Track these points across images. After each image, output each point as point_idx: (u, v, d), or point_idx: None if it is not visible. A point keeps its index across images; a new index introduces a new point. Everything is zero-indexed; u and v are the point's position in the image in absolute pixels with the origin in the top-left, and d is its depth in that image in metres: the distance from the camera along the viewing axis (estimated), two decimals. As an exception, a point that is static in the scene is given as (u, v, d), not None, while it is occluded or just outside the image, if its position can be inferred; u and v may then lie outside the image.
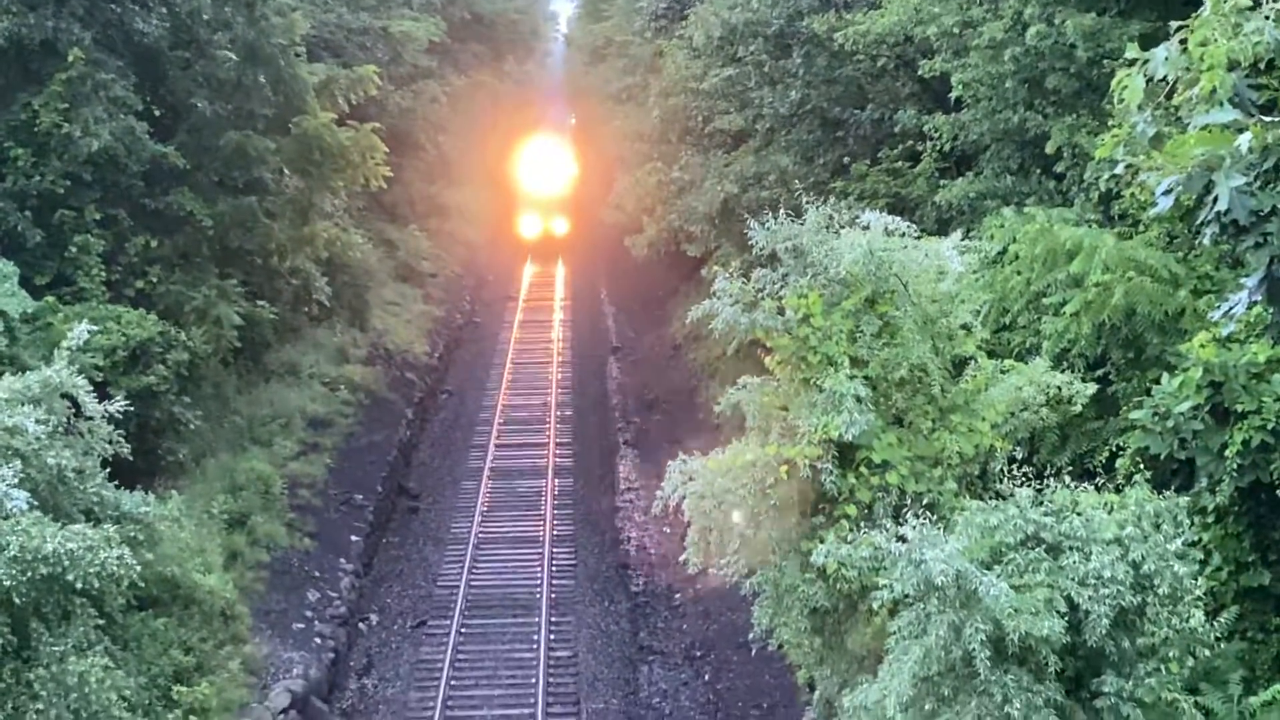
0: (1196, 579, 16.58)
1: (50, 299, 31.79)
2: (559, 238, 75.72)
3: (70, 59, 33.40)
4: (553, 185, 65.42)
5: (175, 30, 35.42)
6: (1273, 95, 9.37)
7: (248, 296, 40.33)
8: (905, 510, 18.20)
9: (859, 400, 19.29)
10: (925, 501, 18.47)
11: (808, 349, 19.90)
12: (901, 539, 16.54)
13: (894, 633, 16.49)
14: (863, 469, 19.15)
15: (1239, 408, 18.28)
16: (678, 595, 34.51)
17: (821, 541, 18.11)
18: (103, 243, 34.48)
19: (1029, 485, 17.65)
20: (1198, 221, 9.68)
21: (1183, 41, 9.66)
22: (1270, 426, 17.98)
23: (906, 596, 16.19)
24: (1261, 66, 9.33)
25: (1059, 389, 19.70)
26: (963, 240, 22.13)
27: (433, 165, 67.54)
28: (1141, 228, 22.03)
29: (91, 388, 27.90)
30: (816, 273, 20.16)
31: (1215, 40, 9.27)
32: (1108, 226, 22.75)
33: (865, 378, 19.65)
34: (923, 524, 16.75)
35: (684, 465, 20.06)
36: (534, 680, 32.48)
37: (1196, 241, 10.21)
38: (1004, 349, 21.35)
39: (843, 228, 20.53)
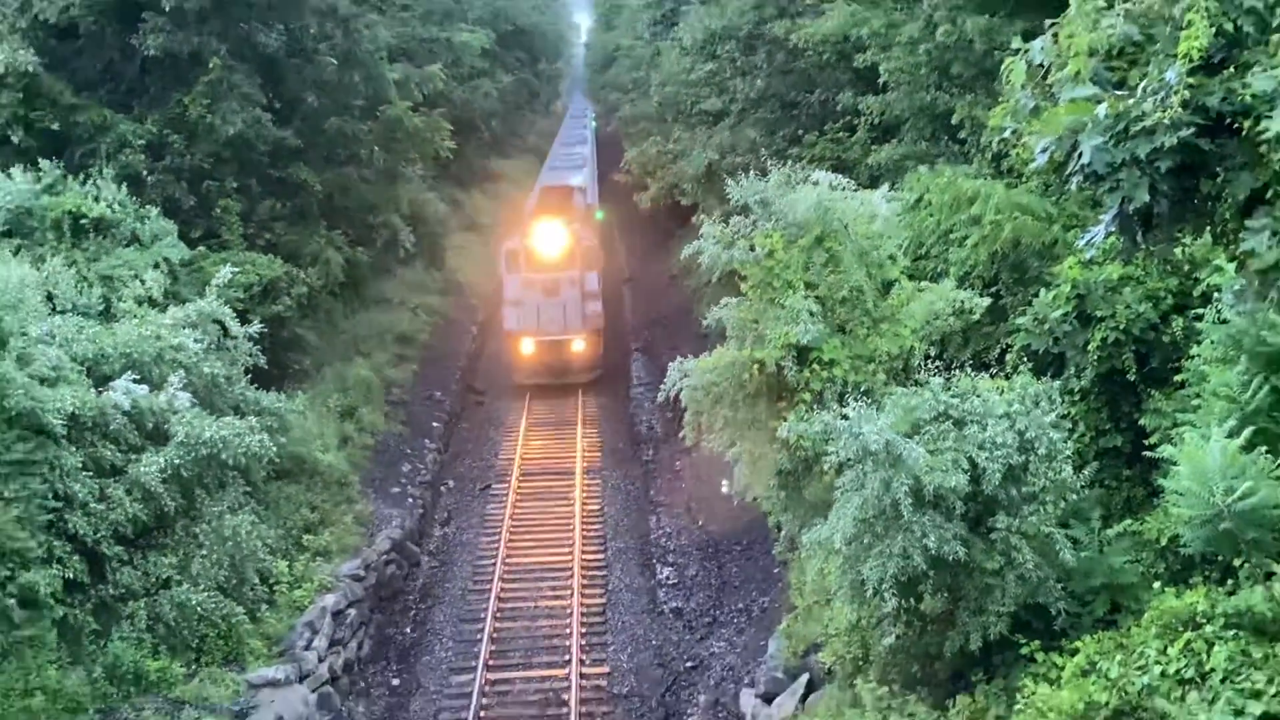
0: (1066, 443, 16.72)
1: (201, 249, 31.91)
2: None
3: (210, 66, 33.31)
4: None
5: (290, 42, 35.35)
6: (1122, 75, 9.37)
7: (349, 244, 40.50)
8: (847, 395, 18.40)
9: (811, 314, 19.51)
10: (862, 389, 18.68)
11: (772, 276, 20.07)
12: (845, 417, 16.70)
13: (839, 487, 16.65)
14: (815, 365, 19.34)
15: (1098, 313, 18.42)
16: (678, 462, 34.77)
17: (784, 420, 18.31)
18: (239, 205, 34.50)
19: (940, 375, 17.83)
20: (1066, 173, 9.71)
21: (1055, 35, 9.69)
22: (1121, 327, 18.13)
23: (848, 460, 16.35)
24: (1114, 53, 9.32)
25: (962, 302, 19.82)
26: (889, 192, 22.26)
27: (487, 142, 67.33)
28: (1024, 179, 22.02)
29: (234, 315, 28.17)
30: (778, 218, 20.30)
31: (1079, 34, 9.30)
32: (999, 179, 22.78)
33: (816, 298, 19.83)
34: (860, 406, 16.93)
35: (681, 365, 20.22)
36: (571, 526, 32.90)
37: (1066, 188, 10.23)
38: (920, 273, 21.43)
39: (798, 184, 20.62)
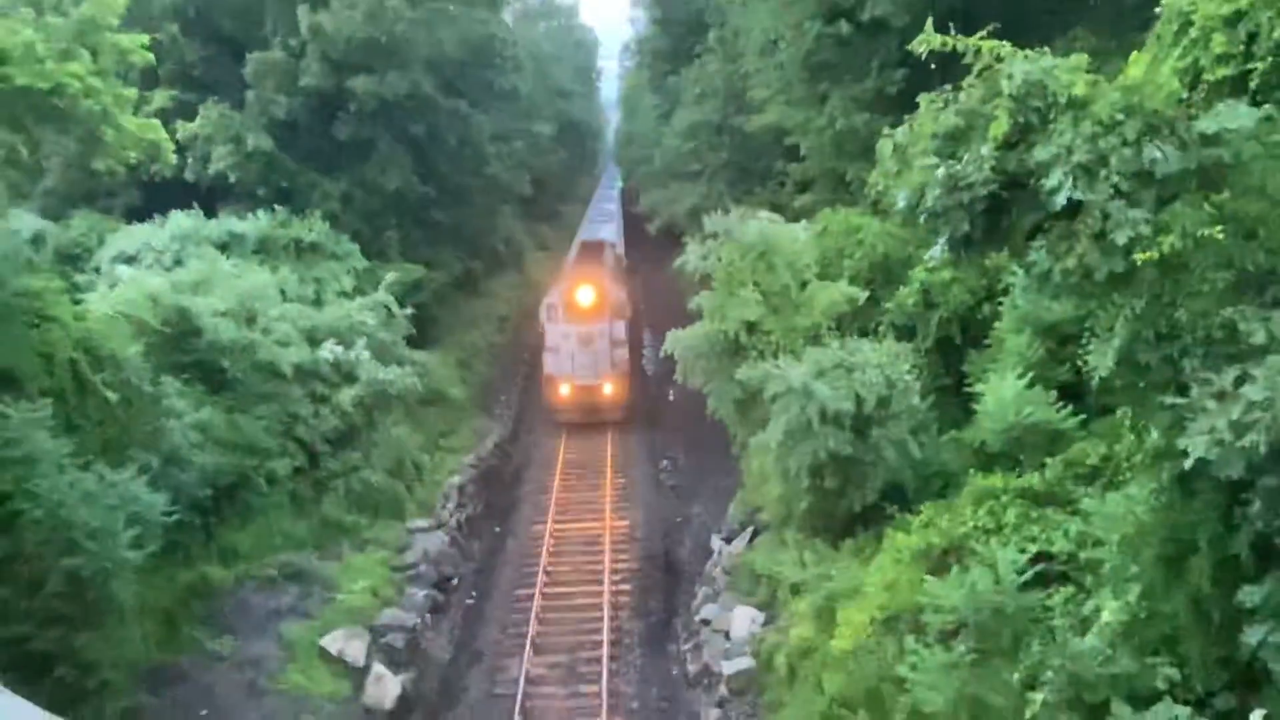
0: (916, 383, 16.75)
1: (374, 262, 31.89)
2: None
3: (379, 144, 33.31)
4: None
5: (429, 130, 35.10)
6: (953, 150, 9.28)
7: (466, 257, 40.39)
8: (780, 353, 18.36)
9: (756, 302, 19.44)
10: (790, 349, 18.62)
11: (731, 278, 20.00)
12: (777, 367, 16.72)
13: (774, 411, 16.70)
14: (758, 334, 19.29)
15: (937, 301, 18.33)
16: (670, 396, 34.43)
17: (737, 368, 18.34)
18: (397, 234, 34.53)
19: (838, 339, 17.81)
20: (918, 212, 9.64)
21: (910, 125, 9.62)
22: (951, 310, 18.05)
23: (778, 393, 16.40)
24: (949, 137, 9.21)
25: (851, 295, 19.77)
26: (807, 224, 22.14)
27: (553, 193, 66.65)
28: (890, 217, 21.85)
29: (396, 302, 28.21)
30: (736, 240, 20.18)
31: (926, 124, 9.23)
32: (875, 216, 22.57)
33: (760, 292, 19.74)
34: (787, 360, 16.94)
35: (674, 334, 20.23)
36: (605, 445, 31.54)
37: (917, 222, 10.15)
38: (825, 276, 21.23)
39: (749, 219, 20.51)
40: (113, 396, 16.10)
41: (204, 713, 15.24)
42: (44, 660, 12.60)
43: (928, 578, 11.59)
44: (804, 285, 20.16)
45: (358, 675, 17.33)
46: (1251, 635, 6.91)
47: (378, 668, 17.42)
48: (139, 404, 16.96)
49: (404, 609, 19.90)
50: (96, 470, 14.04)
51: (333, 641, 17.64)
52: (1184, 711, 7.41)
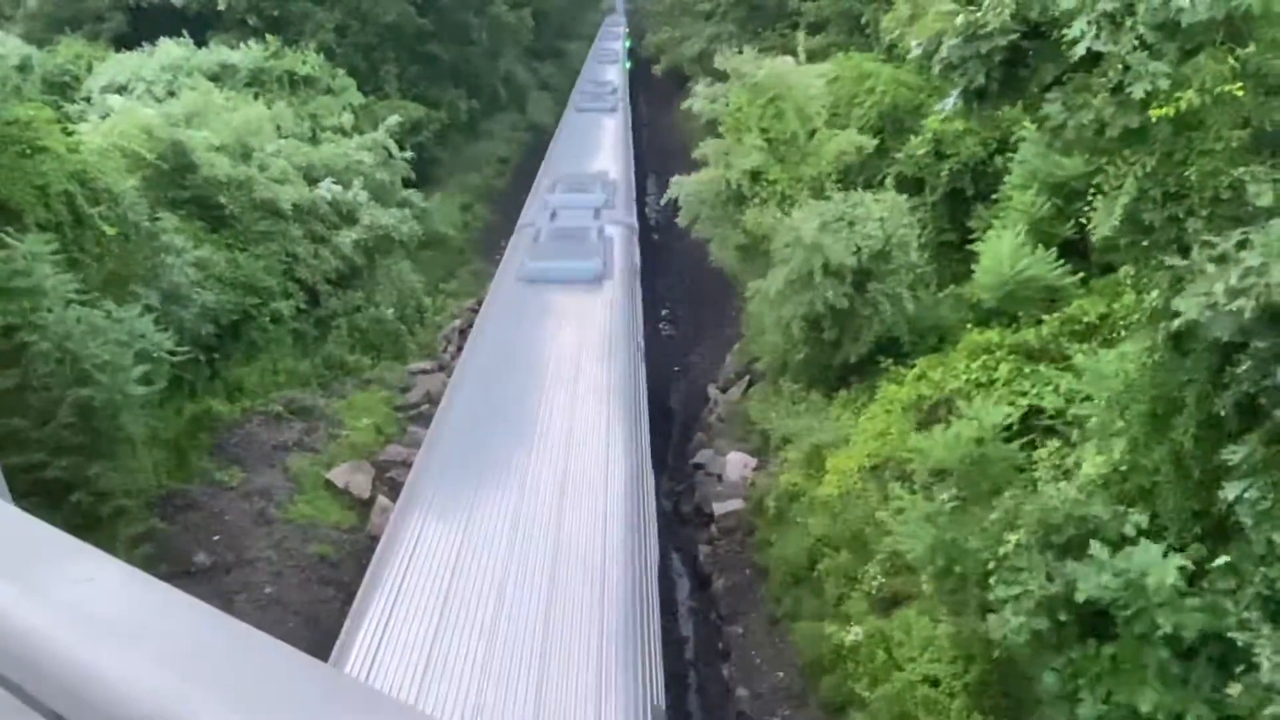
0: (919, 237, 16.64)
1: (372, 98, 31.10)
2: None
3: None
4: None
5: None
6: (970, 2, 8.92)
7: (467, 97, 39.29)
8: (784, 203, 18.16)
9: (760, 149, 19.05)
10: (795, 200, 18.41)
11: (738, 122, 19.53)
12: (786, 215, 16.57)
13: (780, 260, 16.66)
14: (764, 182, 19.02)
15: (947, 151, 18.00)
16: (675, 243, 34.21)
17: (742, 215, 18.17)
18: (395, 69, 33.47)
19: (842, 192, 17.57)
20: (933, 61, 9.34)
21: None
22: (962, 162, 17.75)
23: (786, 244, 16.31)
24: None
25: (860, 145, 19.36)
26: (818, 67, 21.39)
27: (557, 29, 63.64)
28: (906, 64, 21.19)
29: (395, 142, 27.63)
30: (746, 83, 19.58)
31: (946, -33, 8.84)
32: (889, 63, 21.87)
33: (766, 139, 19.32)
34: (794, 211, 16.76)
35: (678, 180, 19.94)
36: None
37: (932, 71, 9.80)
38: (834, 124, 20.78)
39: (762, 61, 19.86)
40: (110, 231, 16.00)
41: (215, 538, 15.90)
42: (59, 487, 13.03)
43: (920, 428, 11.89)
44: (812, 133, 19.70)
45: (364, 507, 17.97)
46: (1230, 491, 7.14)
47: (383, 500, 18.04)
48: (137, 239, 16.88)
49: (407, 445, 20.43)
50: (103, 306, 14.11)
51: (339, 475, 18.21)
52: (1158, 549, 7.74)
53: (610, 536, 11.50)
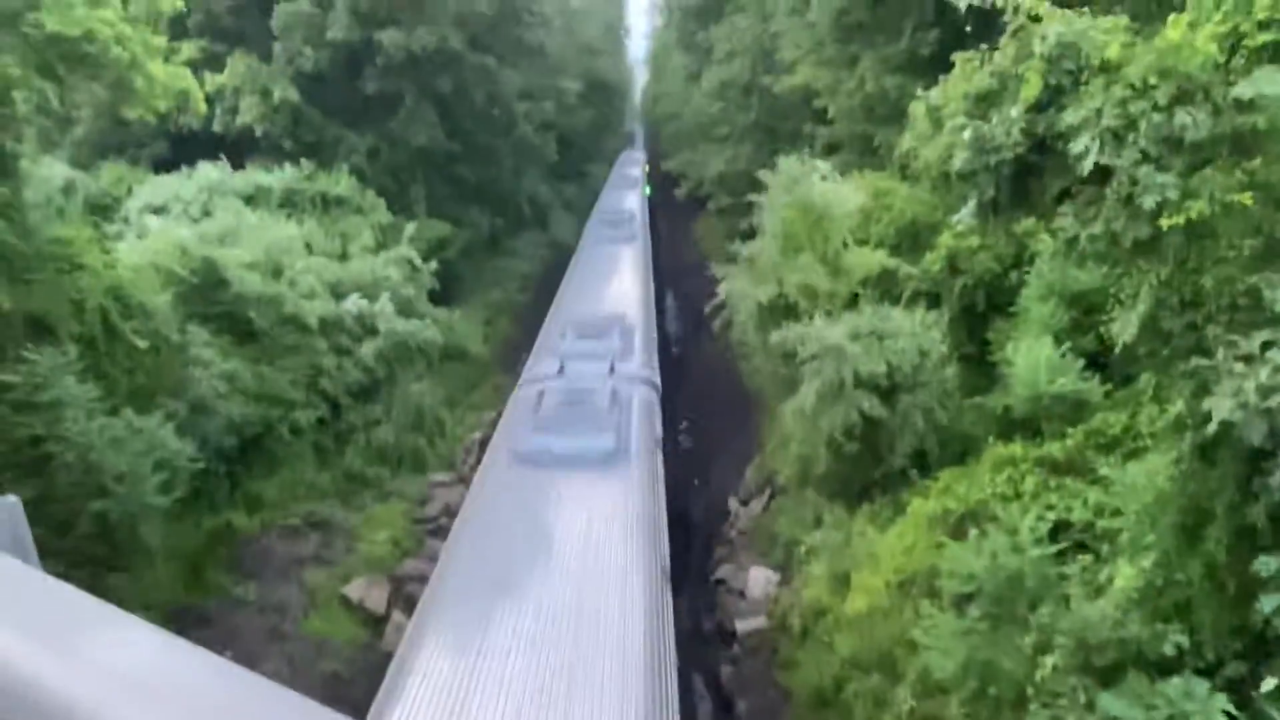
0: (944, 350, 16.70)
1: (400, 217, 32.03)
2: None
3: (406, 101, 33.28)
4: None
5: (456, 86, 35.04)
6: (984, 112, 9.20)
7: (491, 215, 40.37)
8: (816, 315, 18.33)
9: (815, 266, 19.47)
10: (829, 311, 18.52)
11: (789, 238, 19.97)
12: (815, 327, 16.77)
13: (808, 372, 16.65)
14: (811, 297, 19.29)
15: (961, 267, 18.21)
16: (694, 355, 34.08)
17: (778, 327, 18.33)
18: (422, 189, 34.61)
19: (871, 306, 17.74)
20: (947, 176, 9.58)
21: (943, 86, 9.52)
22: (976, 277, 17.93)
23: (814, 356, 16.39)
24: (980, 99, 9.11)
25: (887, 263, 19.67)
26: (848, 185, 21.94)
27: (579, 152, 65.77)
28: (920, 182, 21.68)
29: (420, 257, 28.32)
30: (795, 198, 19.90)
31: (958, 85, 9.14)
32: (904, 181, 22.39)
33: (815, 256, 19.75)
34: (824, 321, 16.95)
35: (730, 288, 20.48)
36: None
37: (946, 187, 10.05)
38: (856, 240, 21.05)
39: (809, 175, 20.40)
40: (142, 344, 16.37)
41: (227, 653, 15.63)
42: (75, 599, 12.94)
43: (947, 541, 11.65)
44: (845, 248, 20.08)
45: (378, 623, 17.68)
46: (1266, 604, 6.93)
47: (398, 616, 17.76)
48: (167, 352, 17.24)
49: (424, 560, 20.22)
50: (125, 416, 14.32)
51: (354, 590, 18.00)
52: (1202, 685, 7.42)
53: (629, 659, 11.16)
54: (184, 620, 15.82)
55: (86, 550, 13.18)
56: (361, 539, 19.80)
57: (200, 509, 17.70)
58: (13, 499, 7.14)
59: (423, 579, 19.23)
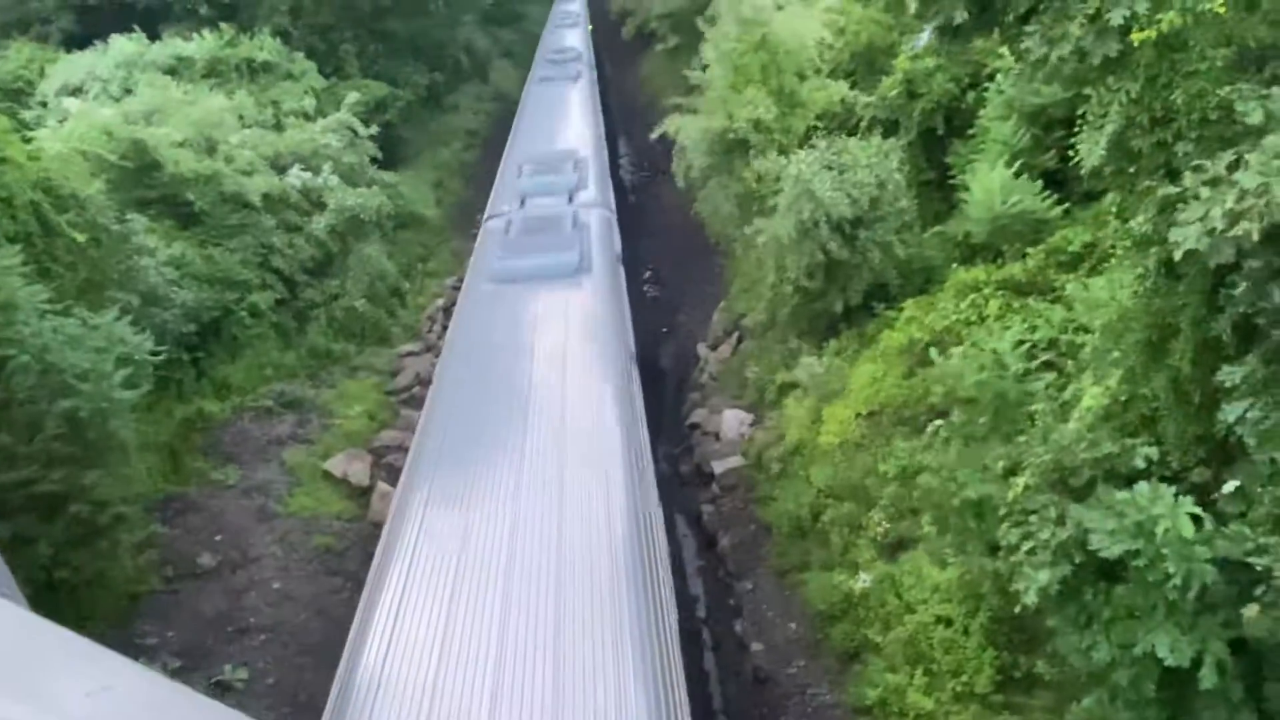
0: (901, 181, 16.51)
1: (333, 80, 30.53)
2: None
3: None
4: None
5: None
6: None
7: (429, 71, 38.53)
8: (783, 153, 17.99)
9: (765, 98, 18.96)
10: (788, 150, 18.17)
11: (739, 73, 19.40)
12: (787, 162, 16.51)
13: (782, 208, 16.46)
14: (765, 131, 18.88)
15: (919, 91, 17.81)
16: (652, 203, 33.63)
17: (748, 166, 18.02)
18: (355, 48, 32.85)
19: (825, 140, 17.39)
20: (903, -1, 9.15)
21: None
22: (934, 100, 17.59)
23: (791, 191, 16.15)
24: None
25: (844, 96, 19.19)
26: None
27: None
28: (876, 2, 20.90)
29: (360, 122, 27.14)
30: (740, 30, 19.30)
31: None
32: (859, 2, 21.54)
33: (767, 90, 19.18)
34: (791, 158, 16.64)
35: (676, 122, 19.95)
36: None
37: (901, 4, 9.64)
38: (818, 72, 20.42)
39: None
40: (80, 237, 15.71)
41: (218, 538, 15.82)
42: (55, 500, 12.89)
43: (936, 357, 11.67)
44: (803, 79, 19.52)
45: (363, 495, 17.91)
46: (1230, 412, 7.11)
47: (382, 485, 17.99)
48: (108, 243, 16.59)
49: (401, 429, 20.33)
50: (78, 314, 13.89)
51: (336, 464, 18.12)
52: (1167, 490, 7.67)
53: (613, 503, 11.48)
54: (169, 509, 15.91)
55: (58, 451, 13.00)
56: (336, 415, 19.78)
57: (170, 399, 17.50)
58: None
59: (402, 449, 19.43)
